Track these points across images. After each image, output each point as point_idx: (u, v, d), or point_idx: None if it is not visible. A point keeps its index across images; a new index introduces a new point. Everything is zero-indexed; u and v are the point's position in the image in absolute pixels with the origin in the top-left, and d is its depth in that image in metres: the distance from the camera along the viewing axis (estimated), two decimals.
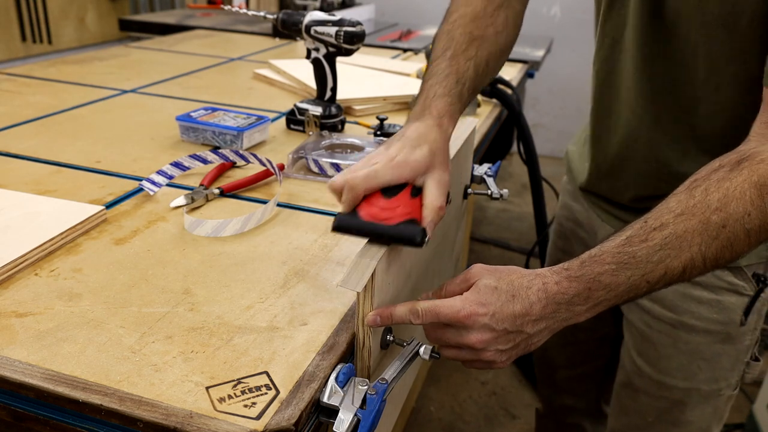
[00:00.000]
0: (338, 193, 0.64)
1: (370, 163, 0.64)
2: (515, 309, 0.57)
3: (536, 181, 1.48)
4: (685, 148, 0.83)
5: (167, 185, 0.91)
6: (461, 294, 0.59)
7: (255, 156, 0.94)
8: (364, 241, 0.59)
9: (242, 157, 0.97)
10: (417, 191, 0.65)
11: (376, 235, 0.61)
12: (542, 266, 0.76)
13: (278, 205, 0.87)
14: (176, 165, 0.93)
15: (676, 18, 0.75)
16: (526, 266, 0.82)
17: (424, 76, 0.76)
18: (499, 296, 0.58)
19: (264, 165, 0.94)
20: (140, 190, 0.88)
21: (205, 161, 0.96)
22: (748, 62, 0.72)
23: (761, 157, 0.60)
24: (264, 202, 0.88)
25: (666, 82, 0.81)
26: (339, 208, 0.63)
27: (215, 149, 1.03)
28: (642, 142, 0.86)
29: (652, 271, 0.58)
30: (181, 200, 0.85)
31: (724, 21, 0.71)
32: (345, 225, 0.62)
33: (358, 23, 1.08)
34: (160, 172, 0.90)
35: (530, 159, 1.44)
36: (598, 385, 1.26)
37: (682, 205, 0.60)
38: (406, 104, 1.37)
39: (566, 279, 0.58)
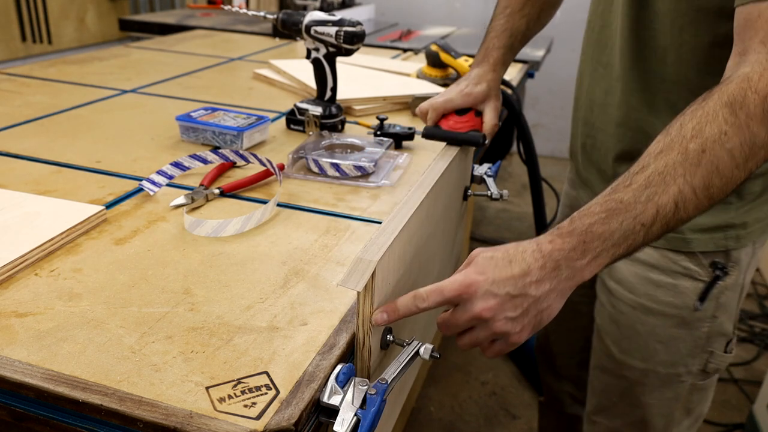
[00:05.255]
0: (423, 115, 0.94)
1: (447, 94, 0.92)
2: (513, 271, 0.58)
3: (536, 181, 1.48)
4: (655, 99, 0.86)
5: (167, 185, 0.91)
6: None
7: (255, 156, 0.94)
8: (364, 241, 0.59)
9: (242, 157, 0.97)
10: (478, 113, 0.94)
11: (453, 138, 0.89)
12: None
13: (278, 205, 0.87)
14: (176, 165, 0.93)
15: None
16: None
17: (488, 28, 1.01)
18: (497, 263, 0.58)
19: (264, 165, 0.94)
20: (140, 190, 0.88)
21: (205, 161, 0.96)
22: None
23: (729, 79, 0.61)
24: (264, 202, 0.88)
25: (646, 37, 0.85)
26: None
27: (215, 149, 1.03)
28: (616, 94, 0.92)
29: (643, 212, 0.58)
30: (181, 200, 0.85)
31: None
32: (431, 133, 0.91)
33: (358, 23, 1.08)
34: (160, 172, 0.90)
35: (530, 159, 1.43)
36: None
37: (660, 144, 0.60)
38: (406, 104, 1.37)
39: (558, 236, 0.59)
